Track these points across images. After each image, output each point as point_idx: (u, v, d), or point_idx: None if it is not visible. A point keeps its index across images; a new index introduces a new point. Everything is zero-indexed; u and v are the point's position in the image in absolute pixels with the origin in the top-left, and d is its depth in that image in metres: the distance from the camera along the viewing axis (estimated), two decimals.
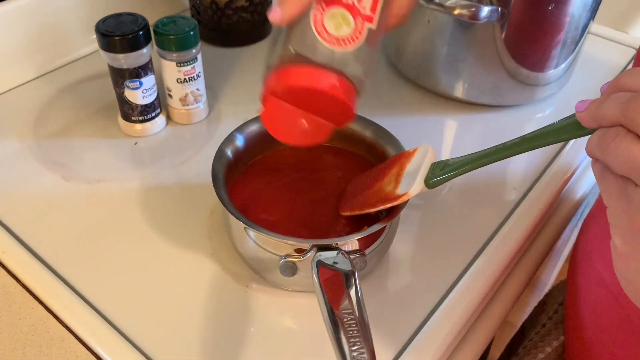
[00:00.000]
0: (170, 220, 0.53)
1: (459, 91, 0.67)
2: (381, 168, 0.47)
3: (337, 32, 0.38)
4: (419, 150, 0.44)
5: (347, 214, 0.46)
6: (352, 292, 0.38)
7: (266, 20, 0.76)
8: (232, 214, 0.43)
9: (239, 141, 0.49)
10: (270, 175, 0.51)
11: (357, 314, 0.37)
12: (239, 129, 0.50)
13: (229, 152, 0.48)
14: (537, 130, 0.34)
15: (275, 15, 0.38)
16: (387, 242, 0.48)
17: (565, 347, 0.52)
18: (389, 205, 0.42)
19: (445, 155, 0.63)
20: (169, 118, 0.63)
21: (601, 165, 0.29)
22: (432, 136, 0.65)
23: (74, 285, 0.47)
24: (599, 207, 0.50)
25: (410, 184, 0.41)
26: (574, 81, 0.70)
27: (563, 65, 0.65)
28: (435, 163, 0.42)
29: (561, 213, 0.61)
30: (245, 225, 0.43)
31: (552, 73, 0.65)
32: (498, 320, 0.51)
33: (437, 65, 0.66)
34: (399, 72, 0.73)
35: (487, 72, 0.64)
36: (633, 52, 0.78)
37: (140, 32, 0.54)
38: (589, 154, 0.30)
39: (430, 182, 0.41)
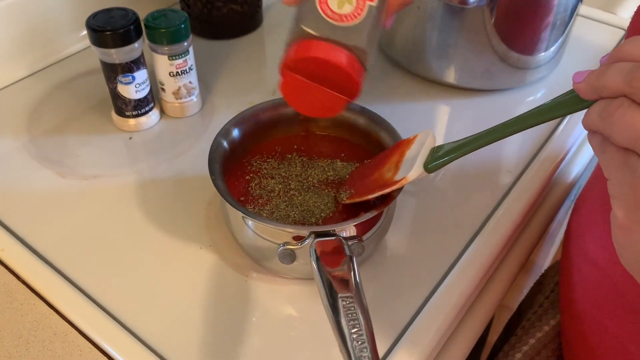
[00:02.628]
0: (168, 213, 0.53)
1: (451, 76, 0.67)
2: (382, 156, 0.47)
3: (340, 10, 0.41)
4: (419, 137, 0.44)
5: (347, 202, 0.46)
6: (351, 276, 0.38)
7: (256, 12, 0.76)
8: (230, 204, 0.43)
9: (235, 132, 0.50)
10: (267, 164, 0.51)
11: (356, 298, 0.37)
12: (234, 120, 0.50)
13: (225, 143, 0.48)
14: (534, 108, 0.34)
15: None
16: (384, 228, 0.48)
17: (560, 324, 0.53)
18: (387, 190, 0.42)
19: (439, 142, 0.64)
20: (162, 112, 0.63)
21: (600, 138, 0.29)
22: (424, 122, 0.66)
23: (74, 280, 0.47)
24: (590, 188, 0.51)
25: (409, 169, 0.42)
26: (564, 63, 0.71)
27: (553, 48, 0.66)
28: (434, 147, 0.42)
29: (554, 195, 0.61)
30: (243, 215, 0.43)
31: (542, 56, 0.66)
32: (494, 303, 0.52)
33: (428, 51, 0.66)
34: (389, 58, 0.73)
35: (478, 56, 0.64)
36: (621, 32, 0.79)
37: (131, 27, 0.54)
38: (588, 126, 0.29)
39: (430, 166, 0.41)
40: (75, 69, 0.70)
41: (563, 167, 0.63)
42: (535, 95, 0.69)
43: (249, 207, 0.47)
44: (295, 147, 0.53)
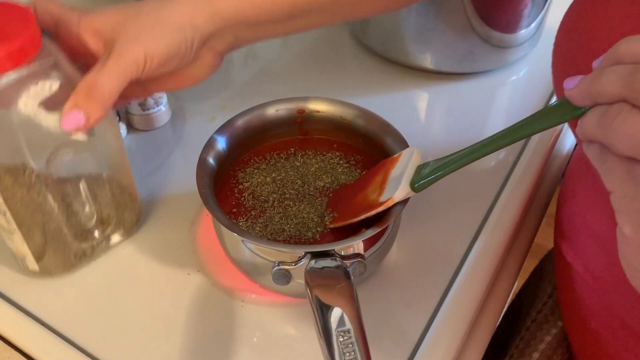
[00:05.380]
0: (147, 240, 0.49)
1: (430, 62, 0.64)
2: (365, 177, 0.45)
3: None
4: (403, 155, 0.42)
5: (332, 226, 0.43)
6: (350, 307, 0.35)
7: None
8: (227, 227, 0.39)
9: (222, 143, 0.45)
10: (261, 172, 0.47)
11: (356, 332, 0.34)
12: (220, 131, 0.46)
13: (211, 159, 0.44)
14: (525, 119, 0.32)
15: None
16: (389, 242, 0.45)
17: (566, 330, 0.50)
18: (372, 212, 0.40)
19: (423, 132, 0.61)
20: (129, 126, 0.59)
21: (599, 147, 0.26)
22: (405, 111, 0.63)
23: (52, 326, 0.43)
24: (578, 179, 0.47)
25: (395, 188, 0.39)
26: (544, 40, 0.69)
27: (534, 24, 0.63)
28: (421, 165, 0.40)
29: (552, 173, 0.59)
30: (238, 237, 0.40)
31: (523, 33, 0.63)
32: (505, 296, 0.50)
33: (406, 36, 0.63)
34: (364, 45, 0.70)
35: (459, 39, 0.61)
36: None
37: None
38: (584, 135, 0.27)
39: (417, 185, 0.39)
40: None
41: (559, 144, 0.61)
42: (518, 75, 0.67)
43: (242, 219, 0.44)
44: (293, 150, 0.49)
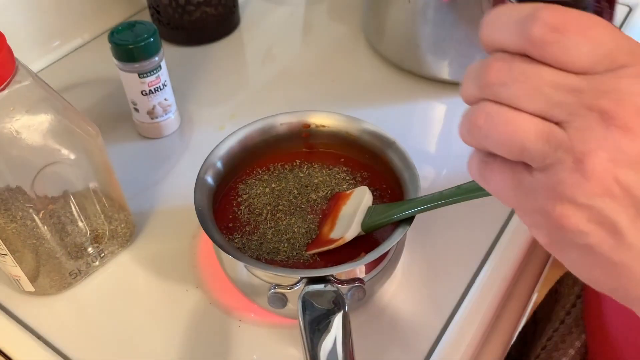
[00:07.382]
0: (148, 253, 0.48)
1: (447, 72, 0.62)
2: (324, 209, 0.45)
3: None
4: (355, 193, 0.43)
5: (308, 252, 0.42)
6: (341, 341, 0.33)
7: (232, 12, 0.70)
8: (225, 251, 0.38)
9: (220, 159, 0.44)
10: (261, 182, 0.46)
11: None
12: (219, 147, 0.45)
13: (210, 176, 0.43)
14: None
15: None
16: (393, 263, 0.43)
17: (588, 347, 0.48)
18: (324, 249, 0.41)
19: (439, 145, 0.59)
20: (137, 134, 0.58)
21: (478, 160, 0.24)
22: (420, 124, 0.61)
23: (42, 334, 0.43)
24: None
25: (346, 227, 0.40)
26: None
27: None
28: (371, 207, 0.41)
29: None
30: (234, 259, 0.39)
31: None
32: (517, 318, 0.48)
33: (422, 46, 0.61)
34: (379, 54, 0.68)
35: (477, 48, 0.59)
36: (626, 9, 0.74)
37: None
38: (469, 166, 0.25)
39: (367, 227, 0.40)
40: None
41: None
42: None
43: (237, 234, 0.43)
44: (299, 162, 0.48)
